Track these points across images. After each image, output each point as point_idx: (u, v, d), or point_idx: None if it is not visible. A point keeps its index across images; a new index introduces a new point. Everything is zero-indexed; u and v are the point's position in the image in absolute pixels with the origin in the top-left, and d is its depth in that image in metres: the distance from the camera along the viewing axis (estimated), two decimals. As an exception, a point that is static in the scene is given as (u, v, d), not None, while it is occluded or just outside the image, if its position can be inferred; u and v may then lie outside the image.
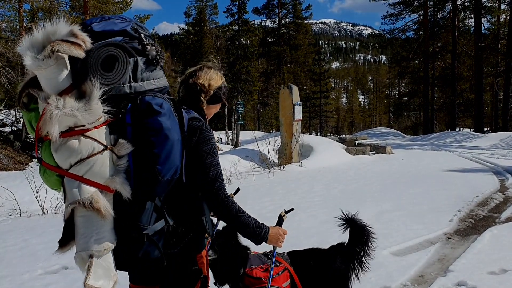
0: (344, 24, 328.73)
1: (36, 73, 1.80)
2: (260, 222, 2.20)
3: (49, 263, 4.89)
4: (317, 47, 54.56)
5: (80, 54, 1.80)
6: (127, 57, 1.93)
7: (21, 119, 22.89)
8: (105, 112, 1.85)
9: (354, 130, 64.22)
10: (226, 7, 42.95)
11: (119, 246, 1.88)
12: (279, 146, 14.26)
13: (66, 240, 1.82)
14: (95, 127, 1.83)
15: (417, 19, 38.58)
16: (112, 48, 1.89)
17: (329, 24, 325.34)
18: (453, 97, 36.01)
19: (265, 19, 46.26)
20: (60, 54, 1.76)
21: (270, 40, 45.45)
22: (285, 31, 45.22)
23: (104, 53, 1.86)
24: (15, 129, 22.29)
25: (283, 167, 12.59)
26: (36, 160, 1.91)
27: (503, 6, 32.77)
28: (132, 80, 1.94)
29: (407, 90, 46.61)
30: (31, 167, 16.06)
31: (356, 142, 18.31)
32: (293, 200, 8.09)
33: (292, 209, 2.68)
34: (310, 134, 37.76)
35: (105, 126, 1.87)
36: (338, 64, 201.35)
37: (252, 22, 42.77)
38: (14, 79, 21.70)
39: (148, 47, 2.03)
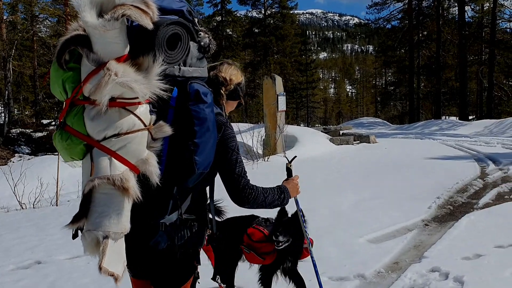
0: (331, 14, 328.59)
1: (93, 32, 1.66)
2: (279, 188, 2.27)
3: (21, 258, 4.81)
4: (304, 37, 54.30)
5: (149, 24, 1.69)
6: (189, 39, 1.88)
7: (2, 114, 22.55)
8: (162, 90, 1.75)
9: (342, 121, 64.39)
10: (209, -3, 42.62)
11: (130, 232, 1.77)
12: (263, 137, 14.22)
13: (82, 215, 1.68)
14: (138, 103, 1.74)
15: (401, 7, 38.63)
16: (179, 27, 1.82)
17: (316, 14, 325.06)
18: (438, 86, 36.23)
19: (251, 9, 45.94)
20: (128, 19, 1.66)
21: (256, 30, 45.18)
22: (271, 21, 44.96)
23: (171, 31, 1.79)
24: (-3, 124, 21.94)
25: (267, 158, 12.54)
26: (57, 125, 1.80)
27: (486, -5, 32.97)
28: (182, 64, 1.90)
29: (393, 80, 46.83)
30: (12, 162, 15.85)
31: (341, 132, 18.35)
32: (274, 190, 8.05)
33: (295, 157, 2.92)
34: (298, 125, 37.76)
35: (147, 104, 1.78)
36: (325, 54, 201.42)
37: (236, 12, 42.55)
38: (-5, 73, 21.35)
39: (202, 33, 2.00)
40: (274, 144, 13.44)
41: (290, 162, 2.74)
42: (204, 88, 1.92)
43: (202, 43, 1.99)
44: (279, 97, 13.59)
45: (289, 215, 3.22)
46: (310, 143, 14.34)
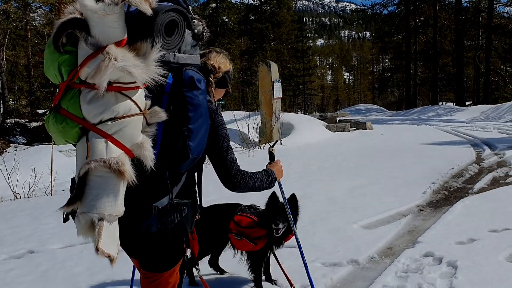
0: (328, 1, 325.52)
1: (92, 17, 1.68)
2: (266, 172, 2.38)
3: (14, 248, 4.79)
4: (300, 24, 53.86)
5: (148, 10, 1.73)
6: (185, 26, 1.91)
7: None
8: (160, 75, 1.79)
9: (339, 108, 64.29)
10: (203, -16, 42.24)
11: (123, 216, 1.80)
12: (259, 125, 14.16)
13: (76, 198, 1.70)
14: (134, 88, 1.77)
15: (398, -7, 38.34)
16: (176, 14, 1.86)
17: (312, 0, 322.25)
18: (435, 72, 36.13)
19: (247, -4, 45.58)
20: (130, 4, 1.70)
21: (252, 17, 44.84)
22: (267, 8, 44.61)
23: (169, 17, 1.83)
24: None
25: (263, 146, 12.50)
26: (51, 108, 1.84)
27: (483, -21, 32.71)
28: (176, 51, 1.95)
29: (390, 66, 46.65)
30: (8, 152, 15.77)
31: (337, 119, 18.31)
32: (269, 177, 8.03)
33: (277, 141, 2.93)
34: (295, 112, 37.59)
35: (142, 89, 1.82)
36: (322, 41, 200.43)
37: (231, -1, 42.23)
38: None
39: (195, 21, 2.04)
40: (270, 132, 13.39)
41: (272, 146, 2.87)
42: (198, 75, 1.96)
43: (196, 31, 2.04)
44: (274, 84, 13.50)
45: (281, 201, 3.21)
46: (307, 130, 14.30)
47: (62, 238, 5.01)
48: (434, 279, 3.46)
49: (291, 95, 47.68)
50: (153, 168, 1.81)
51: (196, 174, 2.21)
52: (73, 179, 1.89)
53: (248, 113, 17.63)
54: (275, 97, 13.50)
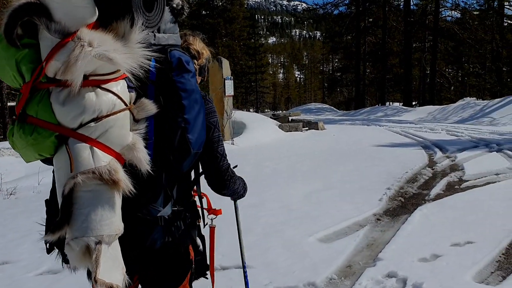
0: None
1: None
2: (243, 179, 2.08)
3: None
4: (253, 21, 53.68)
5: None
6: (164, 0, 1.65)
7: None
8: (147, 59, 1.49)
9: (291, 106, 64.75)
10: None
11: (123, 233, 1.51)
12: (210, 123, 13.64)
13: (64, 222, 1.36)
14: (114, 79, 1.47)
15: (349, -7, 38.89)
16: None
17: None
18: (383, 72, 36.95)
19: (198, -9, 44.69)
20: None
21: (203, 12, 44.10)
22: (219, 3, 44.03)
23: None
24: None
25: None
26: (14, 119, 1.45)
27: (430, -17, 33.74)
28: (156, 30, 1.68)
29: (340, 66, 47.37)
30: None
31: (290, 118, 18.11)
32: (219, 181, 7.56)
33: (236, 166, 2.61)
34: (247, 110, 37.32)
35: (123, 80, 1.51)
36: (274, 39, 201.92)
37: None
38: None
39: None
40: (221, 131, 12.88)
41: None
42: (185, 56, 1.68)
43: (175, 5, 1.76)
44: (226, 81, 13.04)
45: None
46: (259, 129, 13.96)
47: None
48: (401, 306, 3.11)
49: (243, 93, 47.43)
50: (150, 171, 1.53)
51: (192, 171, 1.90)
52: (47, 201, 1.61)
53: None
54: (226, 94, 13.04)
